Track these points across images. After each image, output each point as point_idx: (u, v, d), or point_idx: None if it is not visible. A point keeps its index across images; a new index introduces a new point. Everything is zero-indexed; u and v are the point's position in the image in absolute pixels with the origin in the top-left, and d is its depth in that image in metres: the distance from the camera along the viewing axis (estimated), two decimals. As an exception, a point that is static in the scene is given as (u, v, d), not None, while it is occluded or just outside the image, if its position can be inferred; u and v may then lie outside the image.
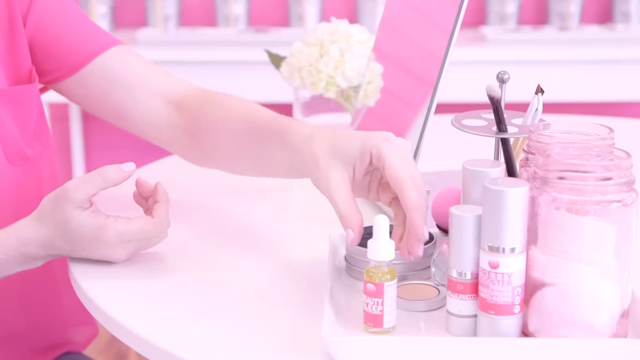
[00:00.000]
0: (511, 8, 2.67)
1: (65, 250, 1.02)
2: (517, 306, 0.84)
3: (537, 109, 0.99)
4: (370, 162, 0.96)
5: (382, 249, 0.88)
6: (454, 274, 0.87)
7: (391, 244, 0.88)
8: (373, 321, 0.88)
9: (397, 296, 0.94)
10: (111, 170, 1.00)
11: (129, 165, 1.01)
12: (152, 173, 1.33)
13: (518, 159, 1.03)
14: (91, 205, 1.00)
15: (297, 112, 1.45)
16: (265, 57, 2.64)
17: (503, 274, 0.83)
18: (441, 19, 1.14)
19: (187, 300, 0.99)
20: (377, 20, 2.67)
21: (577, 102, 2.62)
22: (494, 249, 0.83)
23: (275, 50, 2.67)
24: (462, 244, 0.86)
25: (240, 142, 1.12)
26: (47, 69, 1.20)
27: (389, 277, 0.88)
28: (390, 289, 0.87)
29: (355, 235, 0.93)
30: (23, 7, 1.15)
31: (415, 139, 1.13)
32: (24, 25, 1.15)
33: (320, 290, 0.99)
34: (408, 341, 0.83)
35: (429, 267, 1.00)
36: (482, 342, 0.83)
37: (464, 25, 2.63)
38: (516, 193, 0.82)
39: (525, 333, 0.86)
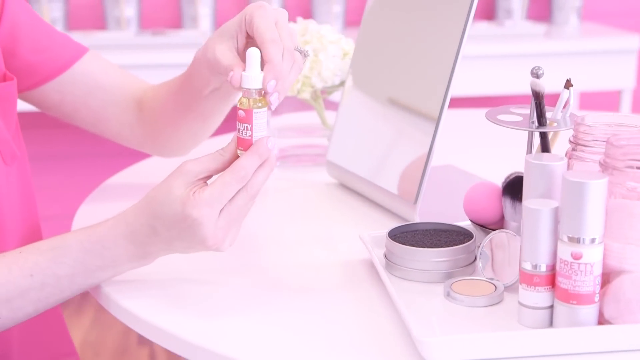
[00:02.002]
0: (401, 6, 2.72)
1: (167, 239, 0.94)
2: (597, 295, 0.86)
3: (568, 103, 1.01)
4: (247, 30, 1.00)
5: (252, 77, 0.93)
6: (528, 266, 0.88)
7: (261, 74, 0.93)
8: (243, 145, 0.94)
9: (458, 293, 0.95)
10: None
11: None
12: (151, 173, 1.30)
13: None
14: (195, 187, 0.93)
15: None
16: (169, 60, 2.60)
17: (586, 264, 0.85)
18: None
19: (237, 305, 0.96)
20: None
21: (468, 97, 2.70)
22: (574, 240, 0.85)
23: (174, 52, 2.62)
24: (538, 237, 0.87)
25: (179, 96, 1.17)
26: (21, 76, 1.17)
27: (259, 104, 0.93)
28: (260, 115, 0.93)
29: (235, 74, 0.95)
30: None
31: (429, 136, 1.13)
32: None
33: (360, 288, 0.99)
34: (503, 337, 0.84)
35: (472, 263, 1.01)
36: (582, 331, 0.85)
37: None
38: (598, 184, 0.84)
39: (599, 321, 0.88)
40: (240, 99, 0.94)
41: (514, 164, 1.22)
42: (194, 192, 0.93)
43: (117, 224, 0.96)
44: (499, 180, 1.05)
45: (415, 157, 1.15)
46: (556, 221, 0.87)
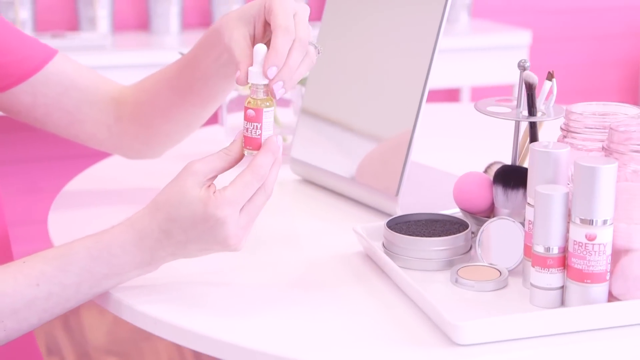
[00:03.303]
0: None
1: (182, 242, 0.93)
2: (608, 273, 0.91)
3: (551, 93, 1.06)
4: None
5: (257, 73, 0.94)
6: (541, 249, 0.92)
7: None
8: (252, 144, 0.95)
9: (466, 278, 0.98)
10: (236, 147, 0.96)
11: None
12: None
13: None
14: (210, 187, 0.93)
15: (224, 109, 1.44)
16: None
17: (599, 244, 0.90)
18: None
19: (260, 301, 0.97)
20: (170, 21, 2.63)
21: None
22: (587, 222, 0.90)
23: (76, 55, 2.58)
24: (550, 220, 0.91)
25: (177, 82, 1.16)
26: None
27: (267, 104, 0.95)
28: (269, 114, 0.95)
29: (241, 74, 0.95)
30: None
31: (409, 128, 1.16)
32: None
33: (364, 280, 1.01)
34: (535, 317, 0.88)
35: (469, 250, 1.05)
36: (600, 308, 0.90)
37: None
38: (609, 169, 0.89)
39: (608, 298, 0.93)
40: (248, 98, 0.95)
41: (457, 155, 1.28)
42: (214, 192, 0.92)
43: (125, 230, 0.95)
44: (462, 171, 1.10)
45: (393, 150, 1.18)
46: (567, 205, 0.92)
